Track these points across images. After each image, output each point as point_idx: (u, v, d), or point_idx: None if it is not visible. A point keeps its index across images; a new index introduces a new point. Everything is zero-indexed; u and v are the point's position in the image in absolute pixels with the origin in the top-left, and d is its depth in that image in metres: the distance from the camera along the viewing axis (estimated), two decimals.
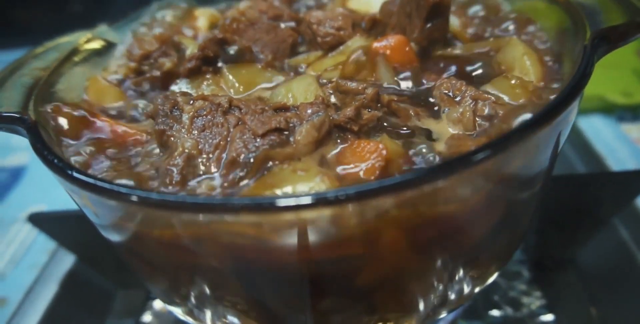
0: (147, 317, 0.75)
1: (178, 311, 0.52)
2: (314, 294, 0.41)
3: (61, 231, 0.75)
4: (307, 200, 0.30)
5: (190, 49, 0.56)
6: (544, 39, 0.51)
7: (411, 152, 0.41)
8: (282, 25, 0.58)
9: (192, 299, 0.47)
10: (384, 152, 0.40)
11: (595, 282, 0.71)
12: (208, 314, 0.48)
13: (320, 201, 0.29)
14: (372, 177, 0.39)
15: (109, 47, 0.60)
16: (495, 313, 0.70)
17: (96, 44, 0.58)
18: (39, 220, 0.74)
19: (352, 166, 0.40)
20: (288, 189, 0.36)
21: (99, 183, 0.35)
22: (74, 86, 0.54)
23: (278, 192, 0.36)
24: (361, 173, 0.40)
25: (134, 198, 0.33)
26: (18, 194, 0.98)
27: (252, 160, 0.40)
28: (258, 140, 0.42)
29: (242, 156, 0.41)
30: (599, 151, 0.87)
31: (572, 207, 0.73)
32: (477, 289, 0.52)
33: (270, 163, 0.40)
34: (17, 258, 0.84)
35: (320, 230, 0.33)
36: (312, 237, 0.33)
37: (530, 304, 0.71)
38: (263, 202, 0.30)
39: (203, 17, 0.62)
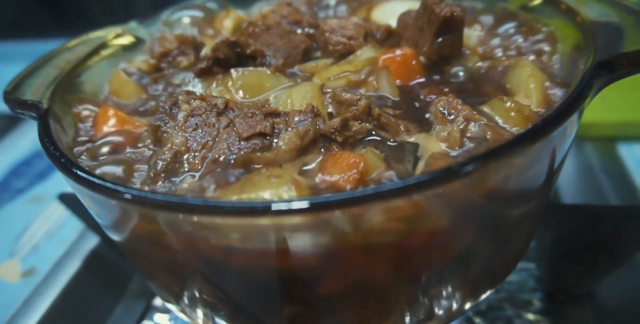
0: (158, 301, 0.78)
1: (174, 309, 0.54)
2: (280, 301, 0.42)
3: (87, 212, 0.79)
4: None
5: (205, 50, 0.58)
6: (557, 62, 0.49)
7: (390, 167, 0.41)
8: (300, 31, 0.59)
9: (184, 299, 0.48)
10: (361, 165, 0.40)
11: (610, 322, 0.67)
12: (199, 314, 0.49)
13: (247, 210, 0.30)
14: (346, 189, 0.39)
15: (138, 43, 0.63)
16: None
17: (125, 40, 0.62)
18: (68, 199, 0.80)
19: (330, 176, 0.41)
20: (254, 194, 0.37)
21: (81, 173, 0.37)
22: (98, 79, 0.58)
23: (244, 196, 0.37)
24: (337, 184, 0.40)
25: (106, 188, 0.35)
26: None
27: (232, 162, 0.42)
28: (242, 143, 0.43)
29: (224, 157, 0.42)
30: (637, 182, 0.81)
31: (596, 239, 0.69)
32: (467, 305, 0.50)
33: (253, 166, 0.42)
34: (51, 232, 0.90)
35: (270, 239, 0.33)
36: (263, 244, 0.34)
37: None
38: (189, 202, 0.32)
39: (229, 19, 0.64)
